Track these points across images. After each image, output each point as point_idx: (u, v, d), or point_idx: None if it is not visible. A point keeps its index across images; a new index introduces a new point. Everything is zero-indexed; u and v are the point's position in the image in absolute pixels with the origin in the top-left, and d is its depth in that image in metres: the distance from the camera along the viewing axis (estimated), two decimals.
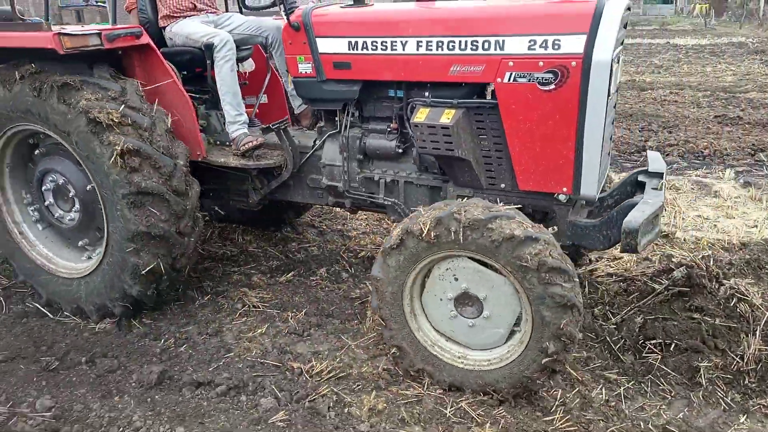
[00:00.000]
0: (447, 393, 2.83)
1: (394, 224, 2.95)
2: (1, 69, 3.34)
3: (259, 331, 3.42)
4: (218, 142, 3.85)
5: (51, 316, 3.65)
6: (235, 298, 3.79)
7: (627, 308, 3.33)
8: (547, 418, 2.65)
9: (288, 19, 3.22)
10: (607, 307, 3.44)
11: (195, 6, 3.89)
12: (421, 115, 2.91)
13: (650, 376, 2.90)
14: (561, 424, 2.59)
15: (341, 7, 3.28)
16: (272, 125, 3.52)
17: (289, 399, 2.81)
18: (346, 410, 2.73)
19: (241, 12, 4.29)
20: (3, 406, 2.83)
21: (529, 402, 2.76)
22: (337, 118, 3.44)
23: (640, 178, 3.10)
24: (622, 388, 2.83)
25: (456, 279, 2.67)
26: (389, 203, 3.37)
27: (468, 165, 2.94)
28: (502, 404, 2.74)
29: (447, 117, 2.84)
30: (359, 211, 4.05)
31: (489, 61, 2.74)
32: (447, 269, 2.68)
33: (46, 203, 3.68)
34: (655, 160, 3.24)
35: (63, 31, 3.02)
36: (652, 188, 2.88)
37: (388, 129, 3.28)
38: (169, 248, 3.29)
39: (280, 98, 4.24)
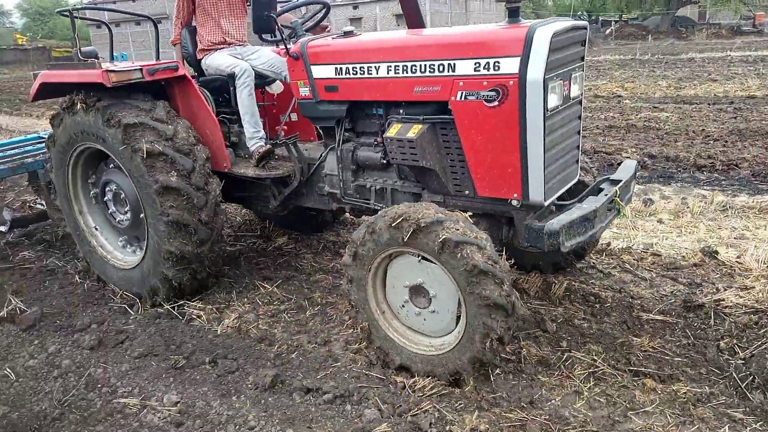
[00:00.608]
0: (552, 420, 2.75)
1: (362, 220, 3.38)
2: (68, 102, 4.11)
3: (365, 343, 3.52)
4: (246, 156, 4.42)
5: (180, 318, 4.01)
6: (342, 309, 3.93)
7: (757, 342, 3.06)
8: None
9: (287, 50, 3.74)
10: (735, 341, 3.19)
11: (225, 41, 4.51)
12: (393, 130, 3.31)
13: None
14: None
15: (332, 38, 3.71)
16: (280, 140, 4.15)
17: (391, 412, 2.87)
18: (447, 428, 2.74)
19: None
20: (136, 398, 3.14)
21: None
22: (333, 134, 3.88)
23: (602, 185, 3.36)
24: (749, 429, 2.60)
25: (409, 273, 3.04)
26: (380, 208, 3.55)
27: (435, 174, 3.30)
28: (613, 425, 2.62)
29: (413, 132, 3.21)
30: (362, 215, 4.33)
31: (444, 81, 3.09)
32: (402, 263, 3.06)
33: (109, 210, 4.44)
34: (624, 169, 3.53)
35: (110, 68, 3.77)
36: (603, 195, 3.16)
37: (375, 142, 3.68)
38: (192, 235, 3.88)
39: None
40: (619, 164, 3.81)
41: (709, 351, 3.16)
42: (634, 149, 7.78)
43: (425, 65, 3.13)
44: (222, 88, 4.38)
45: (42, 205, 5.70)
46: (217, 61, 4.39)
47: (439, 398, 2.96)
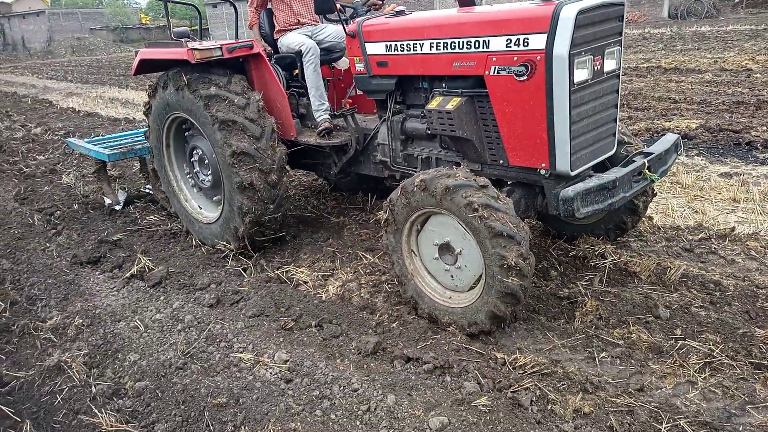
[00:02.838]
0: (662, 408, 2.64)
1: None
2: (162, 76, 4.69)
3: (400, 290, 3.54)
4: (313, 126, 4.82)
5: (288, 283, 4.23)
6: None
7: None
8: None
9: (345, 29, 4.05)
10: None
11: (299, 21, 4.96)
12: (434, 103, 3.58)
13: None
14: None
15: (386, 17, 3.98)
16: (338, 112, 4.59)
17: (491, 386, 2.88)
18: (549, 407, 2.71)
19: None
20: (250, 353, 3.38)
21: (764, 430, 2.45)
22: (386, 106, 4.16)
23: (635, 158, 3.45)
24: None
25: (439, 232, 3.33)
26: None
27: (472, 144, 3.54)
28: (726, 429, 2.47)
29: (452, 104, 3.46)
30: None
31: (479, 57, 3.31)
32: (434, 223, 3.36)
33: (195, 171, 4.99)
34: (662, 142, 3.62)
35: (194, 46, 4.25)
36: (626, 165, 3.31)
37: (422, 114, 3.89)
38: (260, 194, 4.31)
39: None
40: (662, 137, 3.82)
41: None
42: (765, 128, 7.09)
43: (462, 42, 3.37)
44: (293, 64, 4.86)
45: (150, 190, 6.30)
46: (289, 40, 4.82)
47: (540, 377, 2.93)
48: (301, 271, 4.35)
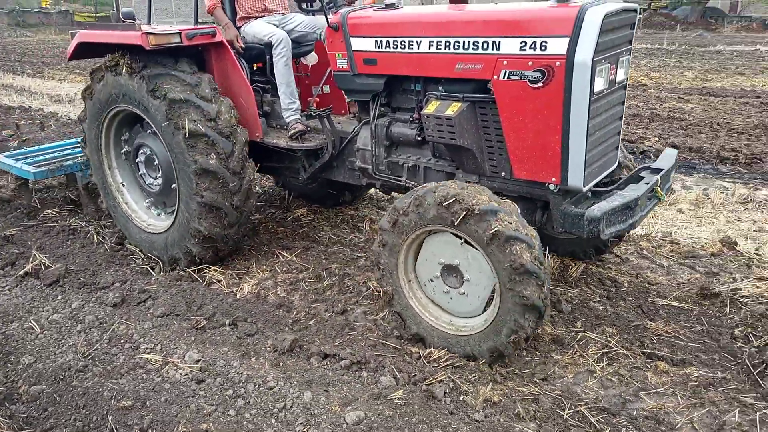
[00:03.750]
0: (564, 395, 2.80)
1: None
2: (110, 59, 4.12)
3: (381, 314, 3.59)
4: (278, 126, 4.42)
5: (200, 281, 4.09)
6: (360, 281, 3.99)
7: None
8: (669, 428, 2.54)
9: (327, 20, 3.66)
10: (749, 329, 3.21)
11: (266, 8, 4.47)
12: (431, 107, 3.26)
13: None
14: None
15: (374, 10, 3.65)
16: (314, 112, 4.07)
17: (407, 380, 2.94)
18: (461, 398, 2.80)
19: (306, 13, 4.69)
20: (158, 354, 3.23)
21: (655, 418, 2.66)
22: (369, 108, 3.80)
23: (642, 173, 3.30)
24: (759, 413, 2.63)
25: (446, 251, 3.01)
26: (411, 186, 3.62)
27: (471, 154, 3.25)
28: (622, 413, 2.67)
29: (452, 110, 3.16)
30: (391, 192, 4.38)
31: (487, 59, 3.03)
32: (441, 241, 3.03)
33: (140, 172, 4.50)
34: (665, 158, 3.47)
35: (149, 31, 3.73)
36: (644, 183, 3.09)
37: (411, 119, 3.61)
38: (223, 218, 3.95)
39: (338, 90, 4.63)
40: (657, 153, 3.77)
41: (723, 338, 3.18)
42: (657, 138, 7.71)
43: (468, 42, 3.07)
44: (258, 56, 4.37)
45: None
46: (256, 29, 4.33)
47: (453, 369, 3.01)
48: (214, 270, 4.22)
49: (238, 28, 4.41)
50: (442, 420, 2.63)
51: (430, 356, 3.11)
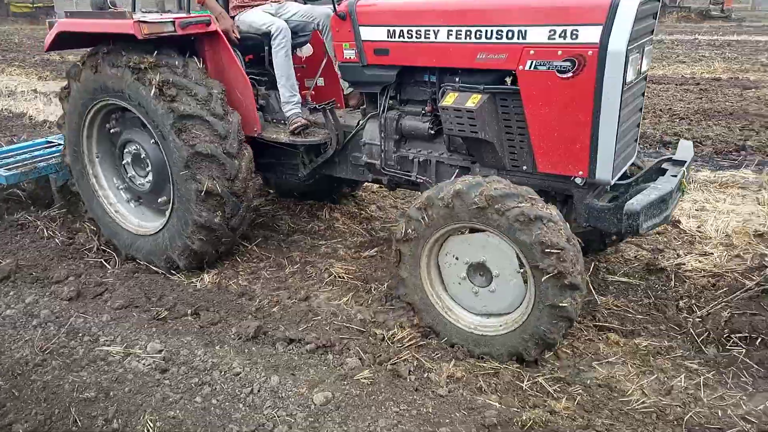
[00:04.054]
0: (524, 367, 2.92)
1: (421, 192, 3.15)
2: (89, 52, 3.91)
3: (344, 299, 3.63)
4: (274, 120, 4.22)
5: (159, 272, 4.03)
6: (322, 268, 4.02)
7: (714, 302, 3.28)
8: (624, 399, 2.69)
9: (335, 9, 3.48)
10: (693, 301, 3.40)
11: None
12: (449, 99, 3.12)
13: (732, 368, 2.87)
14: (638, 406, 2.63)
15: None
16: (318, 106, 3.91)
17: (372, 361, 3.00)
18: (425, 375, 2.88)
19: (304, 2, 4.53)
20: (119, 346, 3.19)
21: (607, 385, 2.80)
22: (375, 101, 3.68)
23: (664, 165, 3.24)
24: (702, 377, 2.82)
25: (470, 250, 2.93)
26: (422, 181, 3.56)
27: (492, 147, 3.14)
28: (577, 382, 2.81)
29: (473, 101, 3.03)
30: (397, 188, 4.30)
31: (511, 49, 2.92)
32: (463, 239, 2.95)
33: (128, 174, 4.21)
34: (684, 149, 3.41)
35: (142, 19, 3.52)
36: (671, 175, 3.03)
37: (423, 111, 3.51)
38: (224, 206, 3.74)
39: (335, 81, 4.47)
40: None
41: (669, 309, 3.37)
42: None
43: (491, 31, 2.96)
44: (254, 47, 4.19)
45: None
46: (252, 18, 4.10)
47: (417, 348, 3.10)
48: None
49: (232, 18, 4.18)
50: (407, 396, 2.71)
51: (394, 337, 3.18)
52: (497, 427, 2.49)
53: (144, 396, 2.75)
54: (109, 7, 4.01)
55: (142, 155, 4.04)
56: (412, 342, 3.15)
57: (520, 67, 2.91)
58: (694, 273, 3.72)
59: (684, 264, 3.84)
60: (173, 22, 3.60)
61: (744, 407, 2.63)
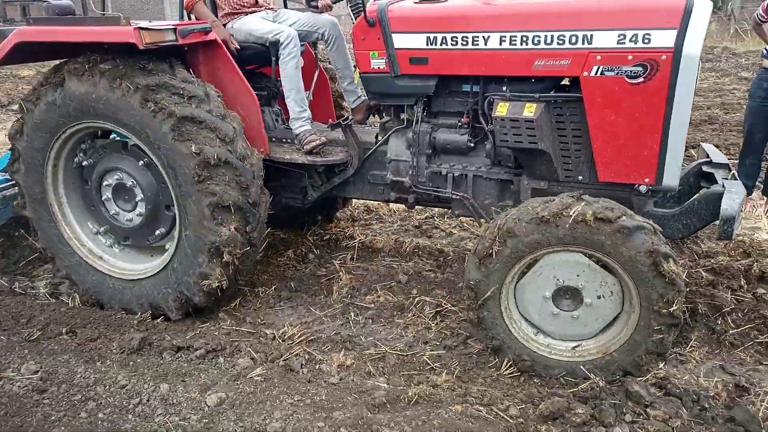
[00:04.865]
0: (406, 350, 3.16)
1: (487, 223, 2.99)
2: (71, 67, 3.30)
3: (232, 304, 3.66)
4: (274, 139, 3.83)
5: (25, 294, 3.79)
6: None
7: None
8: (490, 365, 3.01)
9: (354, 16, 3.30)
10: None
11: (257, 2, 3.96)
12: (502, 109, 2.98)
13: None
14: (507, 371, 2.96)
15: (414, 2, 3.28)
16: (336, 122, 3.69)
17: (264, 359, 3.07)
18: (317, 367, 3.02)
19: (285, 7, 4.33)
20: None
21: (479, 357, 3.12)
22: (403, 114, 3.48)
23: (705, 168, 3.23)
24: None
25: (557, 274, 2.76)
26: (457, 198, 3.40)
27: (548, 158, 3.01)
28: (451, 359, 3.09)
29: (530, 111, 2.92)
30: (416, 206, 4.06)
31: (576, 55, 2.81)
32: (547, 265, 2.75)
33: (112, 212, 3.66)
34: (714, 153, 3.37)
35: (143, 25, 3.09)
36: (725, 179, 3.02)
37: (459, 123, 3.34)
38: (243, 220, 3.29)
39: (327, 96, 4.34)
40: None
41: None
42: None
43: (552, 36, 2.83)
44: (252, 58, 3.82)
45: None
46: (253, 26, 3.76)
47: (308, 343, 3.22)
48: (36, 284, 3.93)
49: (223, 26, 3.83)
50: (301, 388, 2.82)
51: (285, 335, 3.28)
52: (386, 405, 2.67)
53: (23, 417, 2.61)
54: (73, 13, 3.56)
55: (128, 184, 3.51)
56: (302, 338, 3.27)
57: (585, 74, 2.80)
58: None
59: None
60: (174, 30, 3.19)
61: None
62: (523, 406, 2.66)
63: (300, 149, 3.69)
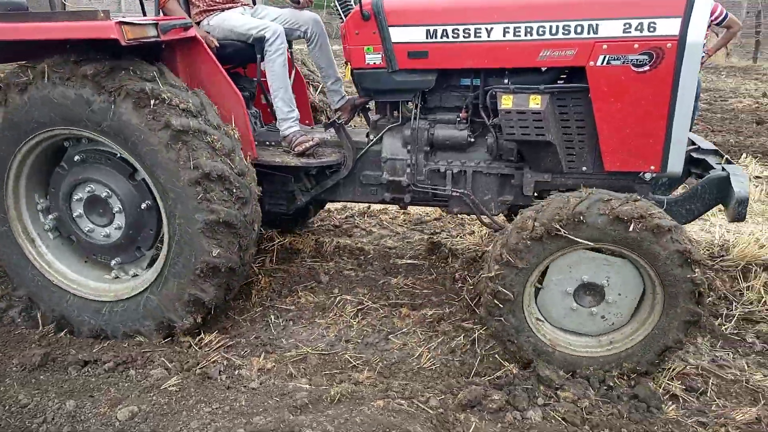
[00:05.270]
0: (330, 349, 3.15)
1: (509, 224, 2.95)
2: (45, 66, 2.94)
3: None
4: (256, 142, 3.57)
5: None
6: None
7: (481, 272, 3.86)
8: (416, 362, 3.06)
9: (344, 13, 3.23)
10: (466, 272, 3.96)
11: None
12: (507, 102, 2.95)
13: None
14: (426, 365, 3.02)
15: None
16: (330, 122, 3.55)
17: (179, 368, 2.95)
18: (236, 372, 2.94)
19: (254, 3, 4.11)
20: None
21: (402, 351, 3.16)
22: (396, 111, 3.42)
23: (695, 155, 3.27)
24: (477, 334, 3.31)
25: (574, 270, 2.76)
26: (456, 194, 3.33)
27: (553, 149, 3.01)
28: (374, 355, 3.12)
29: (536, 102, 2.91)
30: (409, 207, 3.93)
31: (582, 45, 2.83)
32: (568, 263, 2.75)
33: (87, 228, 3.31)
34: (700, 140, 3.44)
35: (125, 20, 2.79)
36: (718, 164, 3.10)
37: (458, 118, 3.27)
38: (239, 237, 3.07)
39: (303, 97, 4.13)
40: None
41: (447, 282, 3.88)
42: None
43: (557, 26, 2.83)
44: (232, 56, 3.56)
45: None
46: (234, 22, 3.55)
47: (226, 349, 3.14)
48: None
49: (197, 23, 3.59)
50: (219, 395, 2.74)
51: (201, 342, 3.18)
52: (308, 405, 2.65)
53: None
54: (26, 9, 3.20)
55: (104, 195, 3.18)
56: (220, 344, 3.18)
57: (591, 63, 2.82)
58: (466, 250, 4.33)
59: (457, 243, 4.44)
60: (156, 25, 2.90)
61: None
62: (443, 396, 2.72)
63: (290, 151, 3.52)
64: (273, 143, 3.68)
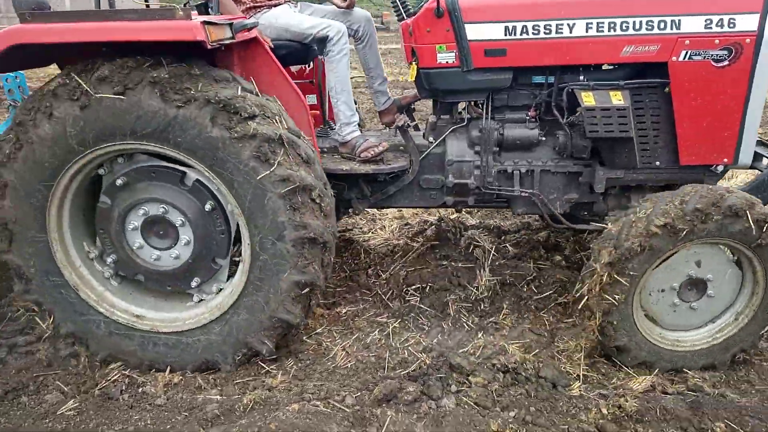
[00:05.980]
0: (242, 357, 3.05)
1: (612, 223, 2.84)
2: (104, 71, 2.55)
3: (42, 344, 3.18)
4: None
5: None
6: (4, 304, 3.50)
7: (393, 265, 3.89)
8: (331, 361, 3.03)
9: (404, 12, 3.20)
10: (378, 267, 3.97)
11: None
12: (589, 99, 2.97)
13: (412, 314, 3.46)
14: (341, 363, 2.99)
15: None
16: (406, 125, 3.39)
17: (76, 391, 2.77)
18: (140, 390, 2.78)
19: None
20: None
21: (317, 352, 3.11)
22: (460, 112, 3.37)
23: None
24: (391, 327, 3.33)
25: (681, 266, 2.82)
26: (526, 195, 3.27)
27: (631, 145, 3.03)
28: (288, 357, 3.06)
29: (618, 99, 2.96)
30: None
31: (664, 40, 2.87)
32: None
33: (153, 256, 2.93)
34: None
35: (208, 19, 2.54)
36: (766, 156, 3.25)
37: (528, 117, 3.22)
38: (325, 252, 2.85)
39: (320, 99, 3.98)
40: None
41: (361, 278, 3.88)
42: None
43: (640, 22, 2.86)
44: (285, 57, 3.19)
45: None
46: (285, 20, 3.30)
47: (125, 366, 2.96)
48: None
49: None
50: (122, 416, 2.59)
51: (99, 362, 2.98)
52: (220, 417, 2.56)
53: None
54: (49, 8, 2.72)
55: (161, 212, 2.82)
56: (120, 363, 2.99)
57: (674, 59, 2.87)
58: (378, 246, 4.35)
59: (369, 239, 4.45)
60: (230, 26, 2.63)
61: (423, 342, 3.19)
62: (359, 393, 2.71)
63: (353, 158, 3.34)
64: (325, 149, 3.49)
